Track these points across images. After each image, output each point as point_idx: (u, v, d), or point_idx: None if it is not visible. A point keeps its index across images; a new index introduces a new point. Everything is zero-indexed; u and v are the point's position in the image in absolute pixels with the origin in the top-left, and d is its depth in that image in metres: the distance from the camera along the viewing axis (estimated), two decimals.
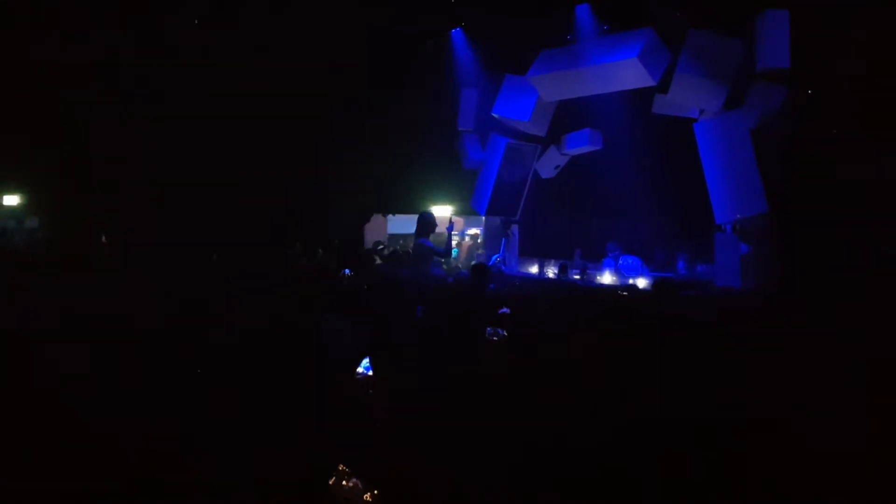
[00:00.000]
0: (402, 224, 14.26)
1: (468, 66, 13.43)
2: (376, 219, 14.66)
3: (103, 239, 10.73)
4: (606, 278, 10.10)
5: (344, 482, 3.10)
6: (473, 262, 10.21)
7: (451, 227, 10.22)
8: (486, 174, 13.20)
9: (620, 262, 10.70)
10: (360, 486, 3.10)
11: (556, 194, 12.96)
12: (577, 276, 10.28)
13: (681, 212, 11.06)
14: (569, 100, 11.95)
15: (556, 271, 10.64)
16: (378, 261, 10.72)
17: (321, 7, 12.21)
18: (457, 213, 12.74)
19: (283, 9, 12.12)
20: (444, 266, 10.17)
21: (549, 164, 12.99)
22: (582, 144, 12.25)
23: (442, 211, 12.28)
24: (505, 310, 5.48)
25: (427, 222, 9.64)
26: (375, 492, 3.05)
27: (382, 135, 13.24)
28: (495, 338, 5.06)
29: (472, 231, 14.12)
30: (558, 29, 11.73)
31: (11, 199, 12.98)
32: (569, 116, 12.38)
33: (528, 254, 11.89)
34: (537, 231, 12.38)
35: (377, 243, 12.68)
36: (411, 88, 13.07)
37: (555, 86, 11.59)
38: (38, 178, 12.40)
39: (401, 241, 14.10)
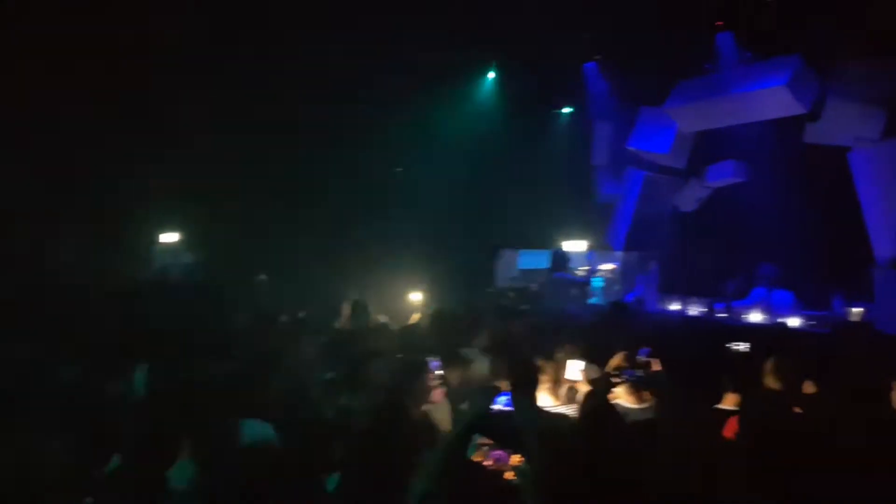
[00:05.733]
0: (534, 260, 14.08)
1: (602, 99, 13.25)
2: (506, 254, 14.54)
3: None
4: (755, 316, 9.48)
5: None
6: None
7: (591, 256, 10.06)
8: (622, 209, 12.92)
9: (773, 295, 10.02)
10: None
11: (698, 228, 12.44)
12: (722, 315, 9.75)
13: (835, 247, 10.30)
14: (710, 130, 11.54)
15: (701, 309, 10.13)
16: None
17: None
18: (591, 249, 12.46)
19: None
20: (582, 298, 9.97)
21: (690, 198, 12.53)
22: (725, 176, 11.76)
23: (575, 246, 12.05)
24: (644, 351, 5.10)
25: (561, 257, 9.53)
26: None
27: (512, 170, 13.22)
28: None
29: (607, 266, 13.75)
30: (697, 58, 11.40)
31: (169, 237, 13.78)
32: (710, 147, 11.93)
33: (669, 290, 11.41)
34: (678, 267, 11.89)
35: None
36: (541, 122, 13.01)
37: (695, 116, 11.24)
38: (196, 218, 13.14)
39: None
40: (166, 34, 11.39)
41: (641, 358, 4.75)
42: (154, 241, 13.48)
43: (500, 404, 4.10)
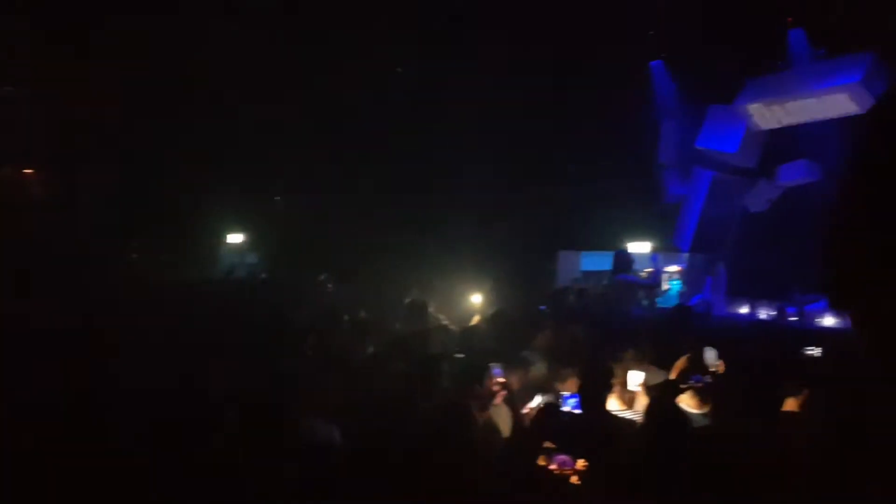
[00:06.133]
0: (596, 261, 13.91)
1: (669, 98, 13.02)
2: (568, 255, 14.37)
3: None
4: (829, 320, 9.17)
5: None
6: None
7: (655, 258, 9.88)
8: (689, 209, 12.67)
9: None
10: None
11: (768, 230, 12.09)
12: (794, 319, 9.46)
13: None
14: (780, 128, 11.23)
15: (771, 312, 9.85)
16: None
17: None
18: (656, 250, 12.24)
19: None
20: (646, 301, 9.78)
21: (760, 198, 12.20)
22: (797, 176, 11.42)
23: (639, 247, 11.85)
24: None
25: (624, 259, 9.36)
26: None
27: (574, 170, 13.09)
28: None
29: (672, 268, 13.50)
30: (768, 55, 11.12)
31: (235, 238, 14.11)
32: (781, 146, 11.60)
33: (737, 293, 11.13)
34: (747, 269, 11.57)
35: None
36: (605, 121, 12.84)
37: (766, 114, 10.97)
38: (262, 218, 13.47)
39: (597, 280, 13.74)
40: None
41: (710, 362, 4.63)
42: (222, 241, 13.84)
43: (568, 406, 4.04)
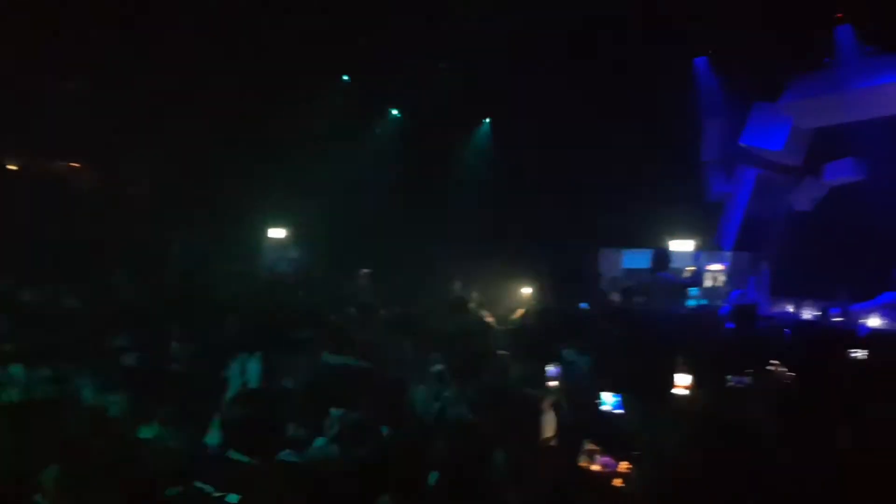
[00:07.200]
0: (639, 259, 13.84)
1: (713, 95, 12.89)
2: (610, 253, 14.32)
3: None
4: (874, 321, 9.05)
5: None
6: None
7: (698, 256, 9.86)
8: (733, 207, 12.59)
9: None
10: None
11: (813, 229, 11.94)
12: (838, 319, 9.35)
13: None
14: (826, 127, 11.09)
15: (815, 312, 9.75)
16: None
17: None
18: (699, 249, 12.16)
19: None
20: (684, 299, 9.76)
21: (806, 196, 12.08)
22: (844, 174, 11.29)
23: (682, 246, 11.78)
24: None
25: (663, 257, 9.33)
26: None
27: (618, 167, 13.02)
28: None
29: (715, 267, 13.40)
30: (815, 52, 10.96)
31: (277, 233, 14.36)
32: (827, 145, 11.47)
33: (781, 293, 11.02)
34: (792, 268, 11.44)
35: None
36: (649, 117, 12.77)
37: (813, 112, 10.86)
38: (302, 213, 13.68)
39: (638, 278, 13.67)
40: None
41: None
42: (264, 236, 14.10)
43: (610, 407, 4.10)
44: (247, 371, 4.12)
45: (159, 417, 3.81)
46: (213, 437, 3.65)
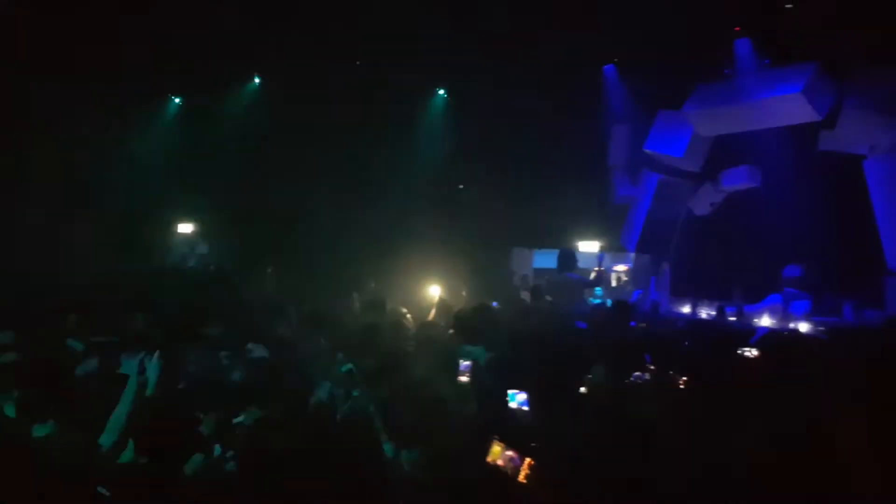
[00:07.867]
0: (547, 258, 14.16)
1: (619, 102, 13.30)
2: (521, 252, 14.60)
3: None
4: (766, 320, 9.57)
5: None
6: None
7: (602, 257, 10.25)
8: (636, 210, 13.00)
9: (791, 305, 10.08)
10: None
11: (711, 232, 12.51)
12: (733, 318, 9.83)
13: (848, 254, 10.34)
14: (725, 135, 11.60)
15: (711, 312, 10.22)
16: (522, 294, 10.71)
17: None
18: (604, 250, 12.54)
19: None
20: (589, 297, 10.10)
21: (704, 201, 12.61)
22: (739, 181, 11.83)
23: (588, 247, 12.13)
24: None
25: (569, 257, 9.68)
26: None
27: (528, 169, 13.30)
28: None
29: (620, 267, 13.85)
30: (716, 63, 11.45)
31: (185, 227, 14.03)
32: (725, 152, 12.00)
33: (681, 293, 11.50)
34: (690, 270, 11.97)
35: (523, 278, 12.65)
36: (559, 123, 13.09)
37: (712, 121, 11.31)
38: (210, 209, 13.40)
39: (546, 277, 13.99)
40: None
41: None
42: (173, 232, 13.76)
43: (517, 404, 4.19)
44: (147, 368, 4.02)
45: (53, 416, 3.70)
46: (107, 437, 3.60)
